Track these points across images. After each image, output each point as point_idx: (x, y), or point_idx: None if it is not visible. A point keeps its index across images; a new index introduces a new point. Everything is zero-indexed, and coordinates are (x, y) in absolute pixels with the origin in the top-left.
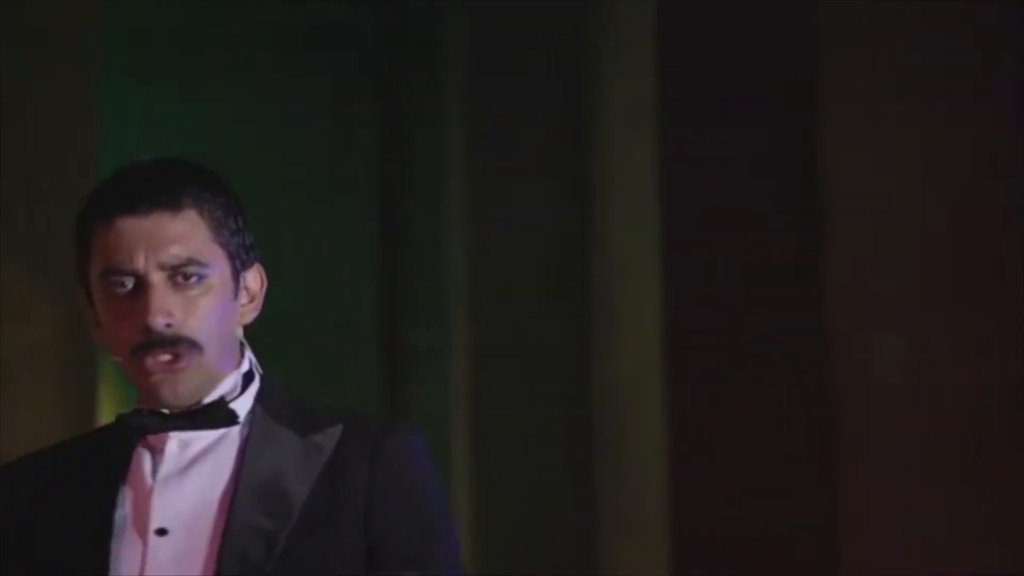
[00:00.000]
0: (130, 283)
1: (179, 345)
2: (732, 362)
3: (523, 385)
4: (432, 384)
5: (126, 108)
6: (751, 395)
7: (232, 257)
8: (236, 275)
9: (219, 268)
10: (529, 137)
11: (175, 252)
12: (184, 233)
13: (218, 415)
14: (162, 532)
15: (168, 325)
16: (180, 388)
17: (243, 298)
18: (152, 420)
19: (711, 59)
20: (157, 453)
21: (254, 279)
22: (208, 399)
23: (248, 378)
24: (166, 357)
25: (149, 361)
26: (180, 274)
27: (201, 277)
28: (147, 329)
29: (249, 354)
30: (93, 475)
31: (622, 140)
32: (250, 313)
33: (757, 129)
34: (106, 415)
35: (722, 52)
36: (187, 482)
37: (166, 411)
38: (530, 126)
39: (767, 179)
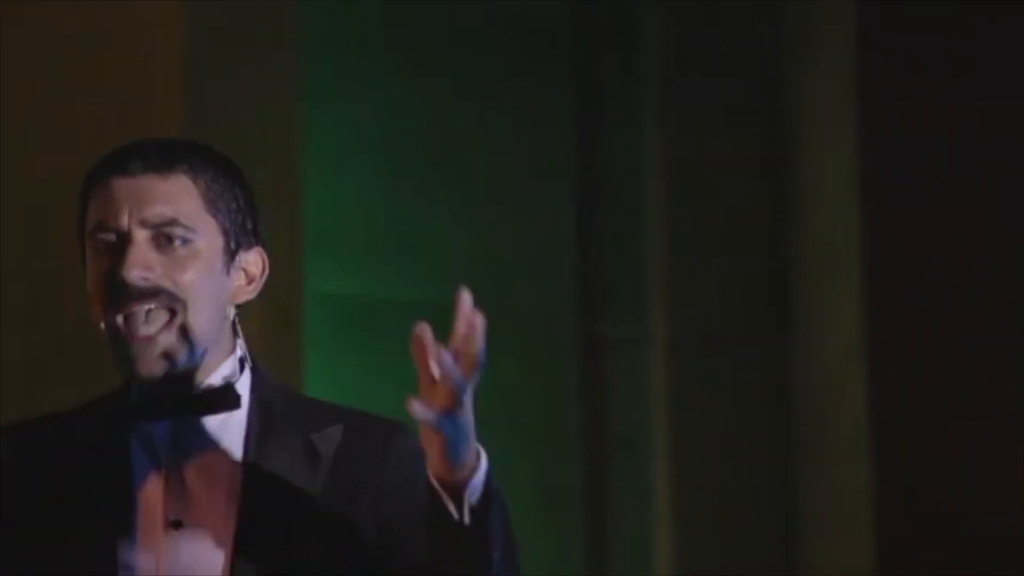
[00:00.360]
0: (111, 239)
1: (157, 297)
2: (940, 353)
3: (721, 377)
4: (629, 377)
5: (325, 106)
6: (961, 387)
7: (226, 232)
8: (229, 251)
9: (208, 237)
10: (726, 131)
11: (159, 211)
12: (172, 195)
13: (224, 399)
14: (177, 524)
15: (145, 279)
16: (156, 365)
17: (239, 278)
18: (154, 405)
19: (912, 56)
20: (159, 439)
21: (254, 263)
22: (209, 381)
23: (242, 364)
24: (146, 307)
25: (124, 320)
26: (164, 235)
27: (186, 241)
28: (122, 282)
29: (241, 340)
30: (94, 457)
31: (820, 134)
32: (246, 294)
33: (961, 124)
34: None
35: (924, 48)
36: (196, 472)
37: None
38: (728, 120)
39: (972, 173)
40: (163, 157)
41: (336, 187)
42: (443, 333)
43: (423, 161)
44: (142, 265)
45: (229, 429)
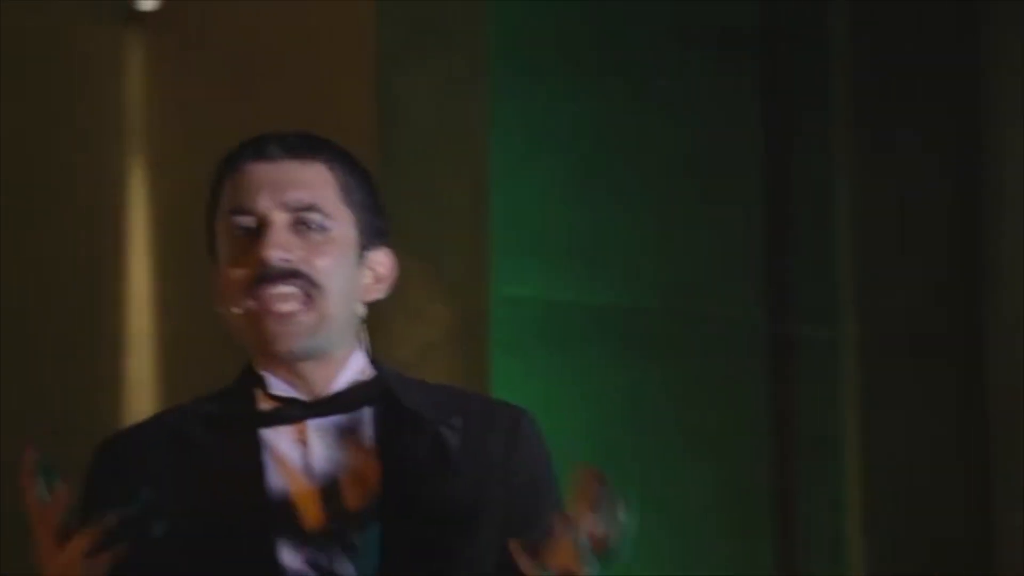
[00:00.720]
0: (250, 223)
1: (296, 279)
2: None
3: (913, 377)
4: (819, 377)
5: (512, 107)
6: None
7: (359, 226)
8: (361, 245)
9: (343, 227)
10: (917, 130)
11: (299, 195)
12: (311, 181)
13: (359, 399)
14: (327, 533)
15: (285, 260)
16: (295, 341)
17: (367, 276)
18: (294, 408)
19: None
20: (299, 442)
21: (383, 263)
22: (339, 377)
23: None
24: (287, 290)
25: (263, 301)
26: (302, 220)
27: (323, 228)
28: (262, 263)
29: (366, 336)
30: (233, 456)
31: (1014, 132)
32: (374, 293)
33: None
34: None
35: None
36: (342, 479)
37: (299, 397)
38: (918, 119)
39: None
40: (302, 144)
41: (523, 190)
42: (629, 337)
43: (610, 163)
44: (283, 247)
45: (360, 427)
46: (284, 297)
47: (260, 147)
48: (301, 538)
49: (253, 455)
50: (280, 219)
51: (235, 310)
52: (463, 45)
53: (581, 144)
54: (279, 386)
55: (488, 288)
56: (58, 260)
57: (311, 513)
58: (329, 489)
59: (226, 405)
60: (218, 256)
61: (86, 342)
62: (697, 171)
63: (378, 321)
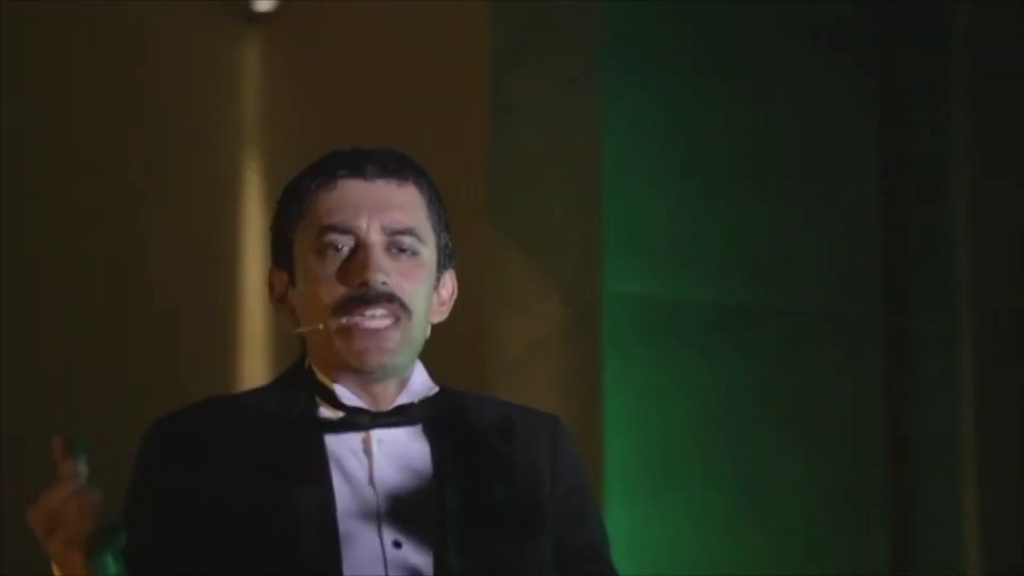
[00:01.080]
0: (347, 242)
1: (392, 303)
2: None
3: None
4: (935, 375)
5: (624, 105)
6: None
7: (438, 247)
8: (439, 267)
9: (430, 250)
10: None
11: (399, 217)
12: (407, 204)
13: (423, 412)
14: (397, 545)
15: (385, 284)
16: (385, 356)
17: (434, 298)
18: (362, 418)
19: None
20: (364, 452)
21: (447, 285)
22: (407, 396)
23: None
24: (380, 311)
25: (356, 319)
26: (397, 244)
27: (415, 253)
28: (364, 284)
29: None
30: (299, 458)
31: None
32: (438, 315)
33: None
34: (612, 407)
35: None
36: (404, 489)
37: (366, 407)
38: None
39: None
40: (396, 164)
41: (633, 187)
42: (741, 333)
43: (721, 160)
44: (383, 270)
45: (414, 438)
46: (378, 318)
47: (357, 165)
48: (366, 545)
49: (320, 460)
50: (378, 241)
51: (320, 327)
52: (575, 44)
53: (692, 141)
54: (347, 396)
55: (599, 285)
56: (174, 258)
57: (374, 521)
58: (393, 499)
59: (286, 404)
60: (292, 266)
61: (201, 342)
62: (810, 167)
63: (489, 318)
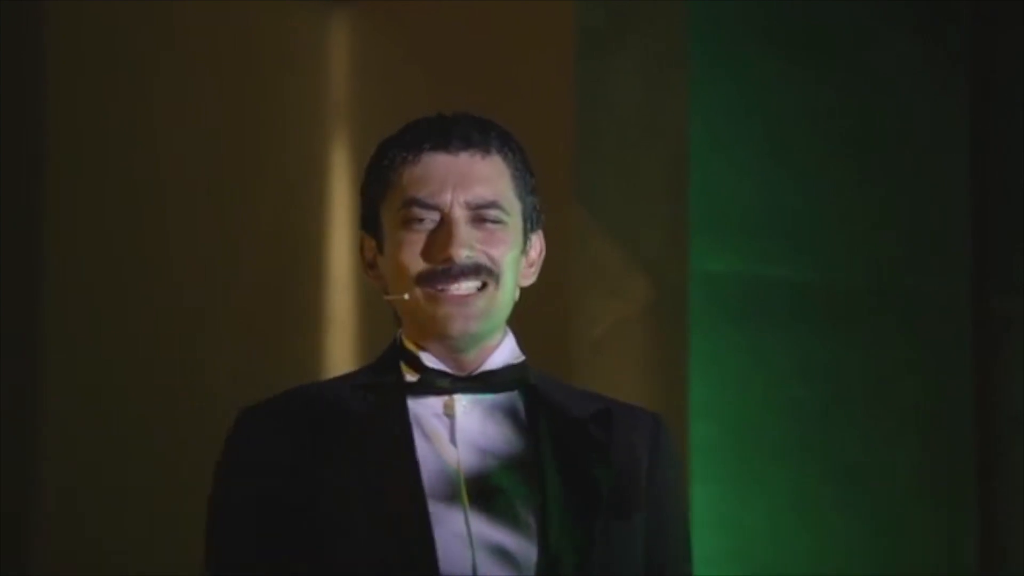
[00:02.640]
0: (431, 216)
1: (479, 274)
2: None
3: None
4: (1022, 356)
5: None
6: None
7: (524, 213)
8: (525, 232)
9: (515, 219)
10: None
11: (481, 192)
12: (491, 176)
13: (509, 380)
14: (477, 506)
15: (469, 257)
16: (471, 323)
17: (524, 262)
18: (443, 380)
19: None
20: (446, 415)
21: (535, 247)
22: (491, 359)
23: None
24: (467, 284)
25: (443, 292)
26: (481, 216)
27: (500, 222)
28: (448, 259)
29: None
30: (382, 423)
31: None
32: (528, 278)
33: None
34: (697, 388)
35: None
36: (489, 454)
37: (450, 371)
38: None
39: None
40: (481, 137)
41: (721, 167)
42: (828, 313)
43: (808, 139)
44: (468, 245)
45: (508, 406)
46: (463, 289)
47: (441, 138)
48: (451, 509)
49: (402, 422)
50: (462, 216)
51: (406, 296)
52: (662, 26)
53: (778, 120)
54: (430, 360)
55: (686, 264)
56: (261, 240)
57: (456, 478)
58: (479, 463)
59: (373, 375)
60: (380, 234)
61: (288, 323)
62: (898, 144)
63: (576, 298)
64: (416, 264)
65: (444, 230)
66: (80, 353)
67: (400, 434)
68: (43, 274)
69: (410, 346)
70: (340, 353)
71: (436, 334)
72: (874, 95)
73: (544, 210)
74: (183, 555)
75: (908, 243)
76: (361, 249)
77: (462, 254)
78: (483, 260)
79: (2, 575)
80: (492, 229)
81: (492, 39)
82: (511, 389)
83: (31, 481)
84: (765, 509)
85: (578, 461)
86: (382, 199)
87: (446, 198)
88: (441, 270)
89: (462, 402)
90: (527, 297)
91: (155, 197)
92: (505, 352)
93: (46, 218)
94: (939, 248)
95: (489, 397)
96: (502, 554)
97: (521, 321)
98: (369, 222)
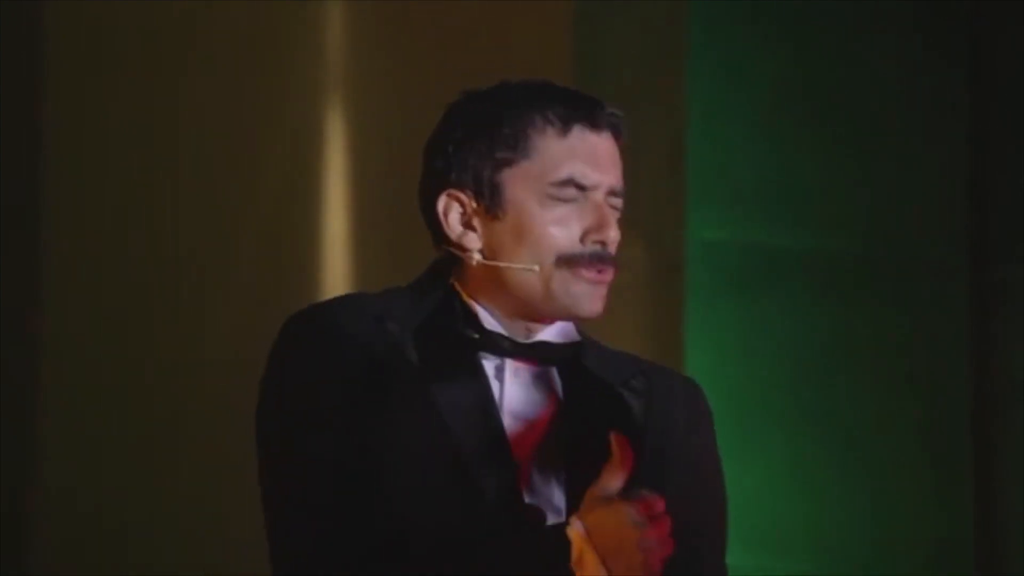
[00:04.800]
0: (576, 196)
1: (614, 264)
2: None
3: None
4: (1021, 325)
5: (710, 53)
6: None
7: None
8: None
9: None
10: None
11: (618, 178)
12: (620, 162)
13: (562, 352)
14: (519, 464)
15: (615, 246)
16: (598, 305)
17: None
18: (503, 342)
19: None
20: (496, 379)
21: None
22: (553, 334)
23: None
24: (610, 271)
25: (585, 272)
26: (611, 204)
27: (619, 211)
28: (603, 243)
29: None
30: (458, 371)
31: None
32: None
33: None
34: (694, 356)
35: None
36: (529, 417)
37: (507, 335)
38: None
39: None
40: (617, 119)
41: (720, 135)
42: (826, 282)
43: (807, 107)
44: (617, 232)
45: (546, 377)
46: (607, 276)
47: (589, 115)
48: (508, 467)
49: (480, 375)
50: (607, 200)
51: (536, 268)
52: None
53: (779, 88)
54: (488, 320)
55: (684, 233)
56: (257, 209)
57: (505, 448)
58: (520, 431)
59: (433, 321)
60: (498, 198)
61: (284, 290)
62: (898, 113)
63: None
64: (565, 241)
65: (595, 213)
66: (80, 352)
67: (483, 393)
68: (41, 270)
69: (467, 299)
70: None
71: (563, 309)
72: (874, 64)
73: None
74: (184, 555)
75: (905, 211)
76: (446, 210)
77: (613, 237)
78: (615, 252)
79: (2, 575)
80: (613, 216)
81: (490, 12)
82: (561, 363)
83: (31, 481)
84: (763, 476)
85: (608, 433)
86: (506, 162)
87: (596, 180)
88: (591, 253)
89: (513, 366)
90: None
91: (149, 165)
92: (563, 326)
93: (43, 205)
94: (937, 216)
95: (535, 367)
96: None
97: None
98: (473, 182)
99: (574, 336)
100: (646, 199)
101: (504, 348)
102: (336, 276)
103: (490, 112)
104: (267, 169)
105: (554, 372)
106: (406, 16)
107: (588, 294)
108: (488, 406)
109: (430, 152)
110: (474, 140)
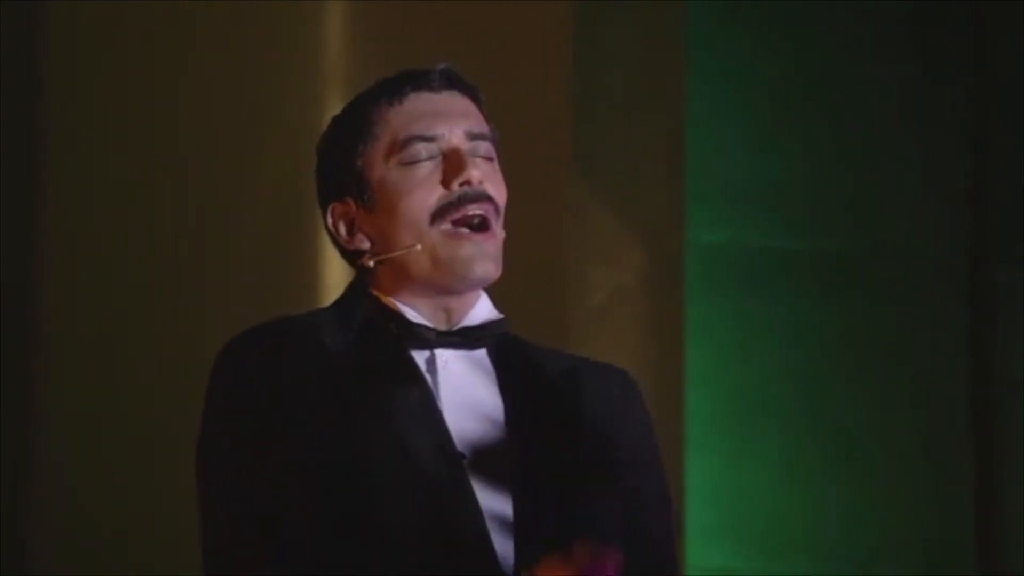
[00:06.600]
0: (431, 151)
1: (489, 203)
2: None
3: None
4: (1020, 322)
5: (709, 54)
6: None
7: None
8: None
9: (495, 157)
10: None
11: (474, 122)
12: (473, 112)
13: (488, 335)
14: (461, 457)
15: (481, 183)
16: (490, 265)
17: None
18: (429, 334)
19: None
20: (428, 372)
21: None
22: (477, 317)
23: None
24: (478, 211)
25: (459, 221)
26: (477, 151)
27: (491, 158)
28: (466, 182)
29: None
30: (393, 379)
31: None
32: None
33: None
34: (693, 357)
35: None
36: (468, 410)
37: (432, 326)
38: None
39: None
40: (457, 77)
41: (718, 136)
42: (825, 282)
43: (806, 108)
44: (480, 170)
45: (482, 367)
46: (482, 218)
47: (422, 78)
48: (437, 468)
49: (415, 368)
50: (464, 146)
51: (418, 246)
52: None
53: (778, 90)
54: (411, 313)
55: (683, 234)
56: (255, 205)
57: (444, 441)
58: (461, 421)
59: (354, 327)
60: (366, 192)
61: (283, 288)
62: (897, 115)
63: (571, 267)
64: (430, 198)
65: (452, 158)
66: (80, 352)
67: (421, 389)
68: (41, 270)
69: (387, 301)
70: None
71: (456, 277)
72: (874, 66)
73: (541, 179)
74: (184, 555)
75: (905, 212)
76: (335, 222)
77: (477, 175)
78: (491, 192)
79: (2, 575)
80: (489, 168)
81: (490, 12)
82: (489, 344)
83: (31, 481)
84: (761, 477)
85: (549, 419)
86: (365, 152)
87: (444, 130)
88: (458, 196)
89: (443, 357)
90: (525, 265)
91: (146, 161)
92: (483, 307)
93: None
94: (936, 218)
95: (466, 353)
96: (489, 511)
97: (518, 289)
98: (345, 186)
99: (494, 315)
100: (645, 201)
101: (429, 339)
102: (336, 276)
103: (340, 118)
104: (267, 169)
105: (487, 362)
106: (406, 16)
107: (475, 255)
108: (428, 401)
109: (316, 185)
110: (333, 148)
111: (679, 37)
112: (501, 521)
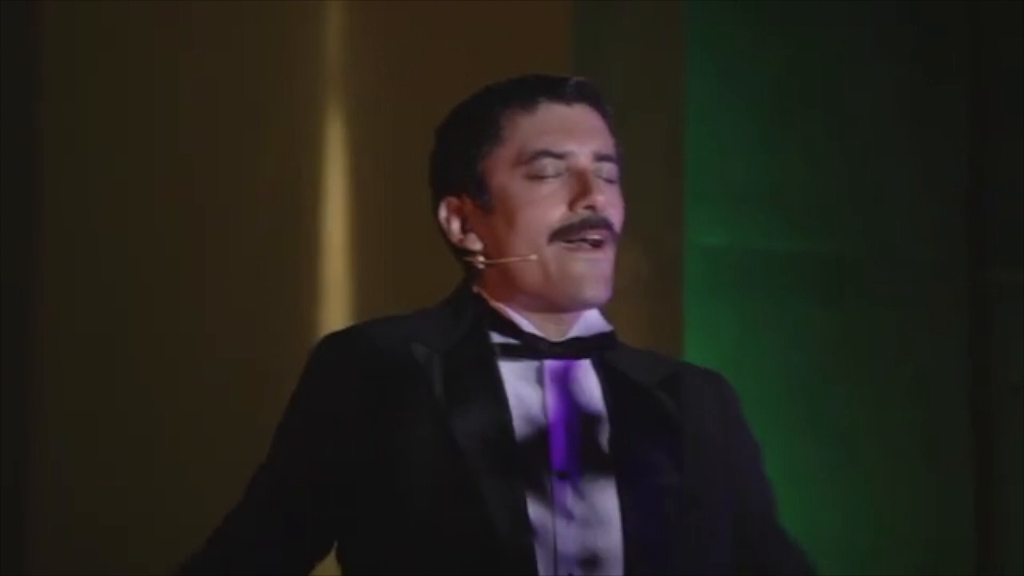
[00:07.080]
0: (558, 168)
1: (608, 229)
2: None
3: None
4: (1019, 326)
5: (708, 55)
6: None
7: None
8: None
9: (618, 178)
10: None
11: (602, 142)
12: (603, 130)
13: (595, 346)
14: (563, 476)
15: (605, 208)
16: (601, 287)
17: None
18: (539, 344)
19: None
20: (537, 382)
21: None
22: (585, 328)
23: None
24: (596, 236)
25: (578, 244)
26: (600, 171)
27: (613, 181)
28: (590, 207)
29: None
30: (470, 381)
31: None
32: None
33: None
34: (693, 359)
35: None
36: (576, 422)
37: (543, 336)
38: None
39: None
40: (590, 91)
41: (718, 138)
42: (825, 285)
43: (806, 110)
44: (604, 195)
45: (587, 377)
46: (601, 244)
47: (556, 88)
48: (542, 477)
49: (496, 383)
50: (591, 167)
51: (533, 256)
52: None
53: (777, 91)
54: (523, 323)
55: (682, 236)
56: (256, 206)
57: (548, 453)
58: (564, 430)
59: (460, 331)
60: (486, 195)
61: (282, 290)
62: (896, 116)
63: None
64: (552, 216)
65: (579, 180)
66: (80, 352)
67: (495, 396)
68: (41, 270)
69: (498, 307)
70: (333, 318)
71: (566, 295)
72: (873, 67)
73: None
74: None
75: (904, 214)
76: (448, 216)
77: (601, 201)
78: (609, 217)
79: (2, 575)
80: (611, 191)
81: (490, 12)
82: (597, 353)
83: (31, 481)
84: None
85: (651, 432)
86: (488, 155)
87: (574, 147)
88: (581, 220)
89: (552, 368)
90: None
91: (145, 163)
92: (593, 318)
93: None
94: (935, 219)
95: (575, 364)
96: (586, 525)
97: None
98: (464, 182)
99: (604, 327)
100: (645, 202)
101: (541, 350)
102: (335, 276)
103: (465, 113)
104: (267, 170)
105: (592, 375)
106: (406, 16)
107: (587, 275)
108: (505, 430)
109: (429, 170)
110: (455, 143)
111: (679, 36)
112: (598, 540)
